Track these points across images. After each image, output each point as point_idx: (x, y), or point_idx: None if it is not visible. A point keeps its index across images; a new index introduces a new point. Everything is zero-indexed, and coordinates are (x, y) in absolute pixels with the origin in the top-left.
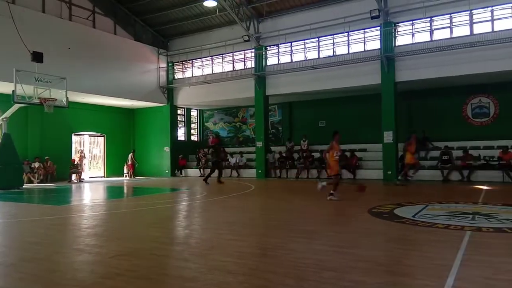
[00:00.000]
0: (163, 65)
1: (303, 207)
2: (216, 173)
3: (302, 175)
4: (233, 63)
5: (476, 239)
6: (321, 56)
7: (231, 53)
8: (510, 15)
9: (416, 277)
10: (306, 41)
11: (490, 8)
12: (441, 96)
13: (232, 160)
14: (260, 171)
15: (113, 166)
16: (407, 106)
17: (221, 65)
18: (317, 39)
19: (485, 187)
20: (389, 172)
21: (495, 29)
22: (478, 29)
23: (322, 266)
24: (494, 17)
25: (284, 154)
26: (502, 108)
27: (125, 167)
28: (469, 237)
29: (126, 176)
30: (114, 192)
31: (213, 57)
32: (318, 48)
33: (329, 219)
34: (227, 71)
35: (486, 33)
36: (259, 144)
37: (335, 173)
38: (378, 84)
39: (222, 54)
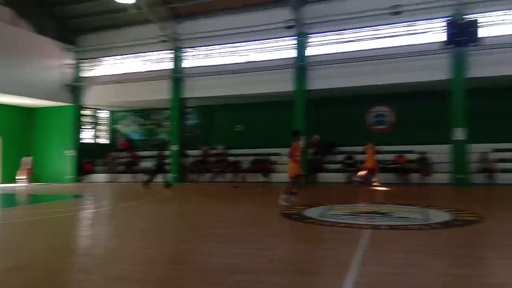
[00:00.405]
0: (69, 61)
1: (218, 211)
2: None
3: (218, 179)
4: (148, 64)
5: (374, 237)
6: (238, 61)
7: (147, 53)
8: (408, 32)
9: (321, 275)
10: (224, 45)
11: (392, 25)
12: (347, 104)
13: (145, 165)
14: (174, 176)
15: (10, 171)
16: (317, 113)
17: (135, 65)
18: (235, 44)
19: (382, 188)
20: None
21: (395, 45)
22: (382, 43)
23: (235, 269)
24: (395, 34)
25: (200, 158)
26: (398, 116)
27: (20, 172)
28: (368, 235)
29: (21, 182)
30: (7, 200)
31: (126, 56)
32: (237, 53)
33: (243, 222)
34: (142, 71)
35: (387, 47)
36: (175, 147)
37: (294, 175)
38: (291, 91)
39: (136, 54)
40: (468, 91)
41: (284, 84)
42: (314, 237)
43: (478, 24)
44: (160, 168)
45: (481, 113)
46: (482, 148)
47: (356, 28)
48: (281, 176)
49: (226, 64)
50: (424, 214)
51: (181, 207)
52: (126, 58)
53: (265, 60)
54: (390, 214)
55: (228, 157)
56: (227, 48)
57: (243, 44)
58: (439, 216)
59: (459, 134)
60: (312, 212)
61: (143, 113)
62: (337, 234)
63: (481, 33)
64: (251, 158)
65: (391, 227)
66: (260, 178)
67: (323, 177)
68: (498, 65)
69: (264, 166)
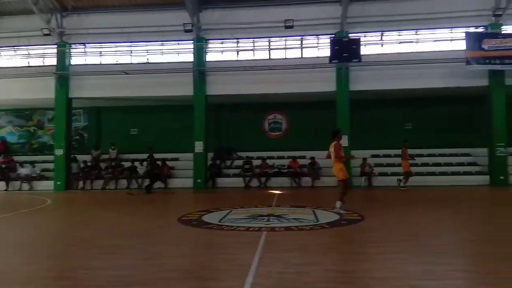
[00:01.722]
0: None
1: (110, 220)
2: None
3: (110, 186)
4: (29, 58)
5: (270, 238)
6: (134, 61)
7: (27, 47)
8: (299, 45)
9: (221, 279)
10: (118, 44)
11: (284, 38)
12: (245, 111)
13: (23, 171)
14: (59, 183)
15: None
16: (217, 118)
17: (12, 59)
18: (130, 43)
19: (277, 192)
20: (199, 181)
21: (289, 56)
22: (276, 54)
23: (127, 281)
24: (289, 46)
25: (89, 163)
26: (291, 124)
27: None
28: (265, 237)
29: None
30: None
31: (5, 48)
32: (131, 53)
33: (137, 231)
34: (21, 67)
35: (281, 59)
36: (59, 152)
37: (342, 178)
38: (191, 96)
39: (14, 47)
40: (351, 102)
41: (184, 88)
42: (213, 242)
43: (360, 42)
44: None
45: (361, 122)
46: (362, 154)
47: (252, 38)
48: (180, 182)
49: (119, 64)
50: (314, 215)
51: (68, 218)
52: (1, 50)
53: (163, 63)
54: (284, 216)
55: (122, 162)
56: (121, 47)
57: (140, 44)
58: (327, 216)
59: (343, 141)
60: (211, 218)
61: (23, 114)
62: (236, 238)
63: (363, 50)
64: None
65: (287, 229)
66: (159, 184)
67: (222, 182)
68: (377, 80)
69: (162, 171)
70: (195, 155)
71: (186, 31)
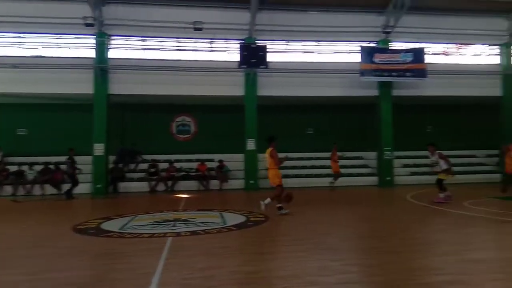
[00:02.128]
0: None
1: None
2: None
3: None
4: None
5: (176, 244)
6: (24, 55)
7: None
8: (209, 48)
9: None
10: (5, 34)
11: (193, 40)
12: (152, 112)
13: None
14: None
15: None
16: (121, 119)
17: None
18: (19, 34)
19: (185, 196)
20: (99, 186)
21: (197, 59)
22: (185, 56)
23: None
24: (197, 48)
25: None
26: (200, 126)
27: None
28: (170, 242)
29: None
30: None
31: None
32: (20, 44)
33: (26, 241)
34: None
35: (190, 60)
36: None
37: (278, 183)
38: (91, 94)
39: None
40: (259, 107)
41: (83, 86)
42: (113, 252)
43: (267, 50)
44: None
45: (268, 127)
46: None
47: (159, 37)
48: (78, 187)
49: (8, 56)
50: (222, 218)
51: None
52: None
53: (60, 57)
54: (191, 221)
55: (7, 166)
56: (10, 37)
57: (32, 36)
58: (234, 218)
59: (251, 144)
60: (111, 225)
61: None
62: (138, 245)
63: (270, 57)
64: (39, 167)
65: (193, 233)
66: (51, 190)
67: (126, 186)
68: (282, 87)
69: (55, 177)
70: (94, 158)
71: (87, 25)
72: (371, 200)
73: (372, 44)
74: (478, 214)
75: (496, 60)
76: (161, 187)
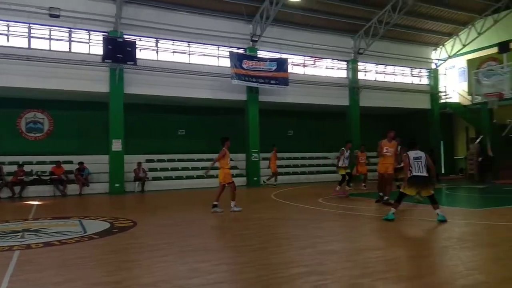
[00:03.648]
0: None
1: None
2: None
3: None
4: None
5: (25, 258)
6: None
7: None
8: (68, 38)
9: None
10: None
11: (48, 27)
12: None
13: None
14: None
15: None
16: None
17: None
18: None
19: (36, 202)
20: None
21: (53, 49)
22: (38, 44)
23: None
24: (52, 37)
25: None
26: (56, 124)
27: None
28: (18, 256)
29: None
30: None
31: None
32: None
33: None
34: None
35: (45, 50)
36: None
37: (229, 181)
38: None
39: None
40: (126, 106)
41: None
42: None
43: (136, 46)
44: None
45: (136, 126)
46: (137, 159)
47: (7, 21)
48: None
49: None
50: (81, 226)
51: None
52: None
53: None
54: (44, 230)
55: None
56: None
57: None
58: (96, 226)
59: (117, 145)
60: None
61: None
62: None
63: (139, 54)
64: None
65: (46, 244)
66: None
67: None
68: (152, 86)
69: None
70: None
71: None
72: (240, 201)
73: (241, 51)
74: (331, 209)
75: (345, 74)
76: (6, 193)
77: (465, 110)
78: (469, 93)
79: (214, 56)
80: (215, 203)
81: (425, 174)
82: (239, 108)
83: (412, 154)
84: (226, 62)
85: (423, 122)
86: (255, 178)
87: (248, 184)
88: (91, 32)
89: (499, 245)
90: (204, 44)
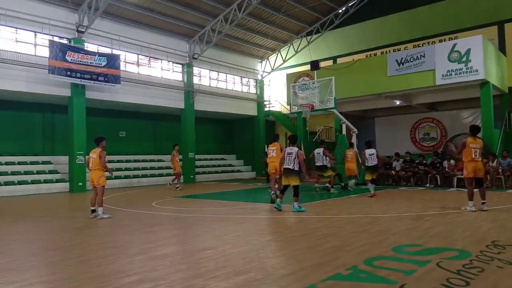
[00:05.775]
0: None
1: None
2: None
3: None
4: None
5: None
6: None
7: None
8: None
9: None
10: None
11: None
12: None
13: None
14: None
15: None
16: None
17: None
18: None
19: None
20: None
21: None
22: None
23: None
24: None
25: None
26: None
27: None
28: None
29: None
30: None
31: None
32: None
33: None
34: None
35: None
36: None
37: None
38: None
39: None
40: None
41: None
42: None
43: None
44: None
45: None
46: None
47: None
48: None
49: None
50: None
51: None
52: None
53: None
54: None
55: None
56: None
57: None
58: None
59: None
60: None
61: None
62: None
63: None
64: None
65: None
66: None
67: None
68: None
69: None
70: None
71: None
72: (59, 208)
73: (64, 41)
74: (164, 212)
75: (180, 77)
76: None
77: (285, 118)
78: (288, 103)
79: (30, 44)
80: (94, 208)
81: (291, 167)
82: (61, 104)
83: (288, 149)
84: (46, 52)
85: (252, 128)
86: (80, 184)
87: (72, 190)
88: None
89: (310, 235)
90: (16, 28)
